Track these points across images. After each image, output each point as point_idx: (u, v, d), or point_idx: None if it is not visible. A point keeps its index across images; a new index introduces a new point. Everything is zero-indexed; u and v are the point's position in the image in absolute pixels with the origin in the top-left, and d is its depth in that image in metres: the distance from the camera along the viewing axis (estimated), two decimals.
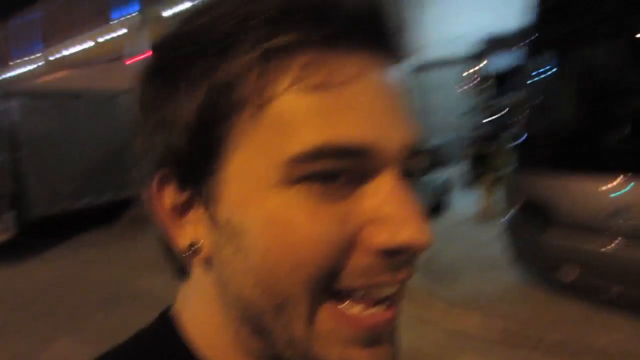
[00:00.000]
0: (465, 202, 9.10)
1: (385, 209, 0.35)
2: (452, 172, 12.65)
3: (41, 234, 7.35)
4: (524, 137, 4.52)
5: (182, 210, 0.39)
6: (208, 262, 0.39)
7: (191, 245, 0.39)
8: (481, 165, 8.85)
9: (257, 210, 0.35)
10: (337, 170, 0.35)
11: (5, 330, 4.25)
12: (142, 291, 4.76)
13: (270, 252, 0.35)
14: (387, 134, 0.36)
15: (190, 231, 0.39)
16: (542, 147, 4.34)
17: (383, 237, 0.35)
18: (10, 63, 22.28)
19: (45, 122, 7.42)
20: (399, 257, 0.36)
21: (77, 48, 17.10)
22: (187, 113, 0.36)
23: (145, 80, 0.39)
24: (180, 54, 0.37)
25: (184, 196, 0.38)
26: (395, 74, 0.40)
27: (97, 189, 8.07)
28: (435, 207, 8.99)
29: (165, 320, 0.44)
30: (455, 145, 16.05)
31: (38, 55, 20.65)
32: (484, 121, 10.73)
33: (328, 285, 0.35)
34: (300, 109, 0.34)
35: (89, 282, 5.61)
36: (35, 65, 20.70)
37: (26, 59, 21.32)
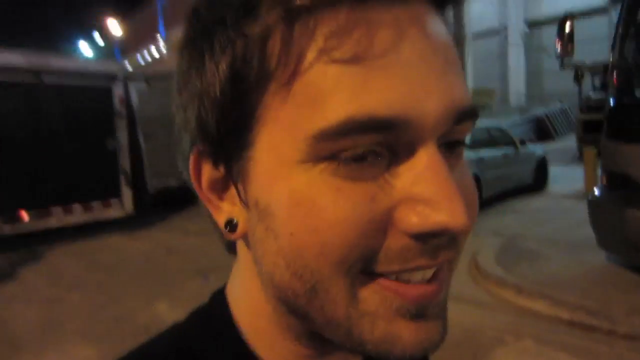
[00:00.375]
0: (571, 177, 8.49)
1: (417, 188, 0.32)
2: (559, 144, 11.71)
3: (154, 207, 8.30)
4: (614, 102, 4.14)
5: (219, 187, 0.38)
6: (245, 240, 0.39)
7: (228, 222, 0.38)
8: (588, 136, 8.15)
9: (281, 190, 0.34)
10: (365, 146, 0.32)
11: (115, 290, 5.00)
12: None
13: (296, 235, 0.33)
14: (423, 101, 0.32)
15: (227, 208, 0.38)
16: (634, 113, 3.96)
17: (414, 219, 0.32)
18: (137, 50, 24.55)
19: (157, 104, 8.18)
20: (435, 241, 0.33)
21: None
22: (212, 86, 0.35)
23: (179, 53, 0.38)
24: (204, 23, 0.35)
25: (219, 173, 0.37)
26: (441, 26, 0.36)
27: None
28: (535, 182, 8.51)
29: (217, 297, 0.44)
30: (564, 114, 14.62)
31: (161, 40, 22.49)
32: (596, 86, 9.78)
33: (363, 270, 0.33)
34: (327, 80, 0.32)
35: (191, 251, 6.31)
36: (158, 51, 22.63)
37: (151, 44, 23.30)
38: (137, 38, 24.88)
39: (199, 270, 5.25)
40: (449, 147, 0.35)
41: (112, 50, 28.12)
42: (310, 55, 0.32)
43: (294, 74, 0.32)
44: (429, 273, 0.34)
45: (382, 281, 0.34)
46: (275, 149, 0.33)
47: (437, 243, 0.33)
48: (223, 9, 0.34)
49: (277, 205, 0.34)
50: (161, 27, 22.26)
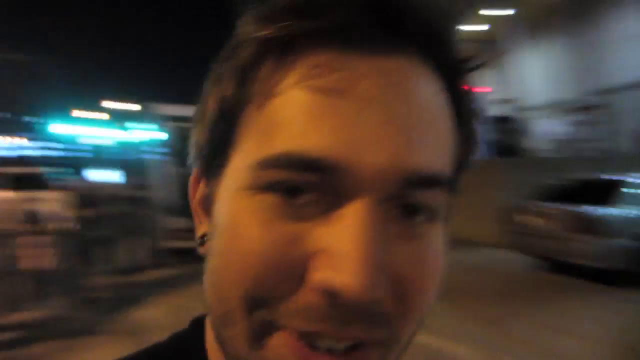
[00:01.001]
0: None
1: (334, 241, 0.30)
2: None
3: None
4: None
5: (207, 204, 0.39)
6: None
7: (201, 236, 0.40)
8: None
9: (225, 212, 0.34)
10: (299, 184, 0.31)
11: None
12: None
13: (220, 257, 0.34)
14: (363, 154, 0.30)
15: (205, 225, 0.40)
16: None
17: (316, 273, 0.30)
18: None
19: None
20: (344, 308, 0.29)
21: None
22: (207, 112, 0.37)
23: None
24: (221, 54, 0.38)
25: (208, 191, 0.39)
26: (426, 85, 0.34)
27: None
28: None
29: (196, 322, 0.45)
30: None
31: None
32: None
33: (266, 316, 0.32)
34: (291, 110, 0.32)
35: None
36: None
37: None
38: None
39: None
40: (409, 212, 0.33)
41: None
42: (289, 81, 0.32)
43: (270, 97, 0.33)
44: (339, 345, 0.31)
45: (289, 336, 0.31)
46: (235, 172, 0.34)
47: (346, 311, 0.30)
48: (233, 41, 0.36)
49: (219, 226, 0.35)
50: None
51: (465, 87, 0.37)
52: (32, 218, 5.50)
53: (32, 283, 5.31)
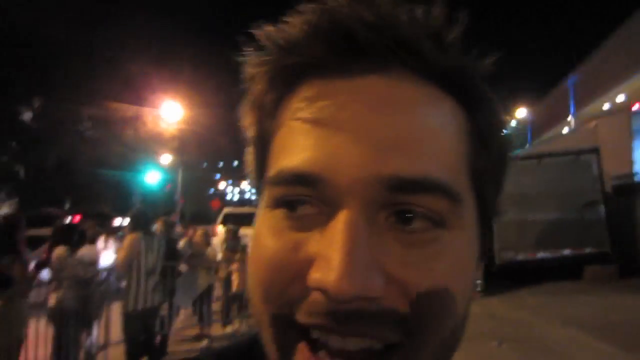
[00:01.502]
0: None
1: (326, 245, 0.33)
2: None
3: (500, 277, 8.64)
4: None
5: None
6: None
7: None
8: None
9: (254, 227, 0.40)
10: (296, 197, 0.35)
11: None
12: (540, 338, 5.44)
13: (249, 265, 0.39)
14: (340, 164, 0.34)
15: None
16: None
17: (314, 275, 0.33)
18: (547, 129, 24.55)
19: (511, 181, 8.58)
20: (339, 304, 0.32)
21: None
22: (248, 140, 0.44)
23: None
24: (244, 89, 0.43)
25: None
26: (418, 96, 0.36)
27: (557, 244, 8.75)
28: None
29: None
30: None
31: (570, 118, 21.87)
32: None
33: (288, 316, 0.35)
34: (288, 137, 0.37)
35: (511, 320, 6.43)
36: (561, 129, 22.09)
37: (560, 123, 22.96)
38: (548, 118, 24.96)
39: (500, 336, 5.47)
40: (404, 219, 0.35)
41: (525, 132, 28.98)
42: (287, 114, 0.39)
43: (278, 129, 0.39)
44: (349, 344, 0.34)
45: (305, 349, 0.35)
46: (265, 192, 0.40)
47: (344, 307, 0.32)
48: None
49: (251, 240, 0.40)
50: (571, 105, 21.69)
51: (485, 95, 0.39)
52: (234, 249, 6.78)
53: (237, 302, 6.55)
